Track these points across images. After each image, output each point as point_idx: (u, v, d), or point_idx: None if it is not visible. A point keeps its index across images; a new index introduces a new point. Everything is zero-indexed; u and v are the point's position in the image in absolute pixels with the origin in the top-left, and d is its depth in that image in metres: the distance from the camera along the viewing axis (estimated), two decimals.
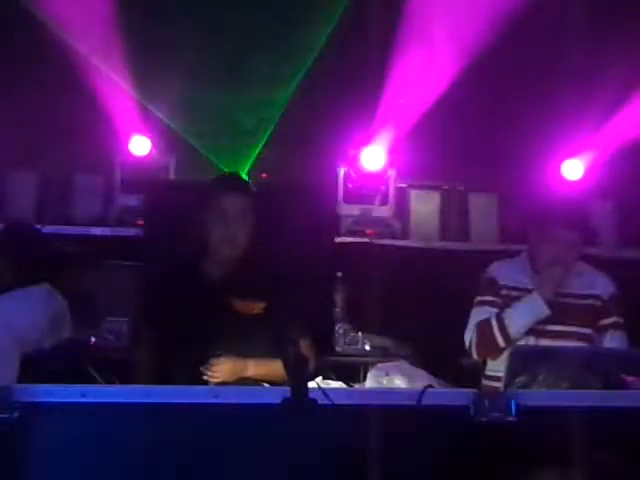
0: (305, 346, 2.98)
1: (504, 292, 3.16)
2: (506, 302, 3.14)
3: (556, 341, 3.08)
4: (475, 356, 3.14)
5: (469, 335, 3.15)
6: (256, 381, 2.83)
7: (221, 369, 2.82)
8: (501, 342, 3.05)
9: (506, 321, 3.04)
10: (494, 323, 3.06)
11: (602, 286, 3.19)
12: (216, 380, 2.81)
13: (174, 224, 3.17)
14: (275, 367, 2.80)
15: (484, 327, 3.09)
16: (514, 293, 3.16)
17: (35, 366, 3.00)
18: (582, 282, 3.19)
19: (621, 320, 3.19)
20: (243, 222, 2.99)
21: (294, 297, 3.00)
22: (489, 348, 3.07)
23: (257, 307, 2.95)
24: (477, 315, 3.16)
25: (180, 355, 2.88)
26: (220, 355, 2.84)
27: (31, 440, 2.21)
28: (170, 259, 3.14)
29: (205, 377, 2.82)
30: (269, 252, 3.06)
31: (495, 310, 3.13)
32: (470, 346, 3.13)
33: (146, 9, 4.20)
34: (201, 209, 3.02)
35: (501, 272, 3.20)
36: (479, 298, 3.18)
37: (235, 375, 2.85)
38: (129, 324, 3.33)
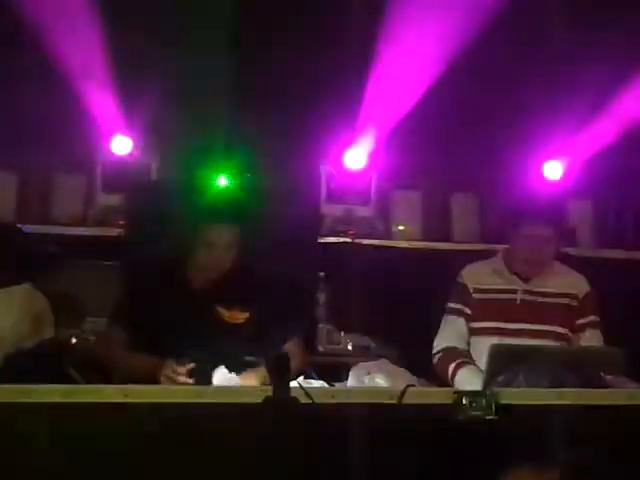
0: (295, 344, 3.01)
1: (476, 296, 3.20)
2: (478, 307, 3.17)
3: (533, 340, 3.10)
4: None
5: (437, 343, 3.20)
6: None
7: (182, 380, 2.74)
8: (450, 383, 3.09)
9: (456, 378, 3.08)
10: (450, 370, 3.10)
11: (577, 285, 3.22)
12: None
13: (156, 224, 3.16)
14: None
15: (444, 361, 3.13)
16: (486, 296, 3.19)
17: (16, 366, 2.98)
18: (558, 281, 3.21)
19: (597, 319, 3.22)
20: (229, 250, 2.99)
21: (279, 301, 3.01)
22: (442, 376, 3.14)
23: (242, 316, 2.95)
24: (447, 324, 3.21)
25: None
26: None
27: (12, 441, 2.21)
28: (152, 260, 3.13)
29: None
30: (253, 257, 3.06)
31: (463, 320, 3.17)
32: (434, 356, 3.19)
33: (129, 10, 4.18)
34: (188, 234, 3.00)
35: (472, 276, 3.23)
36: (450, 305, 3.23)
37: None
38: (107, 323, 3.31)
